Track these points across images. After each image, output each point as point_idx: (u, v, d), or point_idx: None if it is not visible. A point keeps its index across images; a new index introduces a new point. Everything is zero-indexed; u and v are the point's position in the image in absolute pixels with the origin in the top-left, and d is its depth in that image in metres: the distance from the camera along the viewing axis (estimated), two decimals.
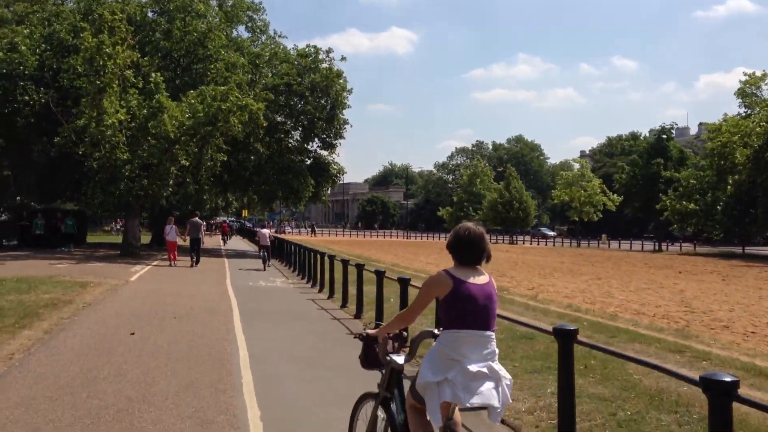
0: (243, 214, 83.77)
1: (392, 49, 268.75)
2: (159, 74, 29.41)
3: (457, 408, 3.87)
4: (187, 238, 27.60)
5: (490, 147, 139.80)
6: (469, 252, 4.05)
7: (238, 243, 58.11)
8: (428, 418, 4.00)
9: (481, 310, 3.95)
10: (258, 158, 36.43)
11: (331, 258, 19.55)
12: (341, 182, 42.83)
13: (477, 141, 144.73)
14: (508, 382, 3.99)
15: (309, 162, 40.48)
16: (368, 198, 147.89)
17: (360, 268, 14.76)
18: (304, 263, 24.10)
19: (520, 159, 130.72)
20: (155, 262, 27.39)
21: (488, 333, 3.98)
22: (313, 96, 37.78)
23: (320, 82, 37.67)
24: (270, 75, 38.46)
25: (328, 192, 43.65)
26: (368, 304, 14.07)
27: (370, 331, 4.54)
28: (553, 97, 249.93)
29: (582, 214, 63.28)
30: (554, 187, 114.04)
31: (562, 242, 68.84)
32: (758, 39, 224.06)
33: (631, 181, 58.01)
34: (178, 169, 29.49)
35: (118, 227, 68.36)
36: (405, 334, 4.57)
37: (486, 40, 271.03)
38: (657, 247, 52.41)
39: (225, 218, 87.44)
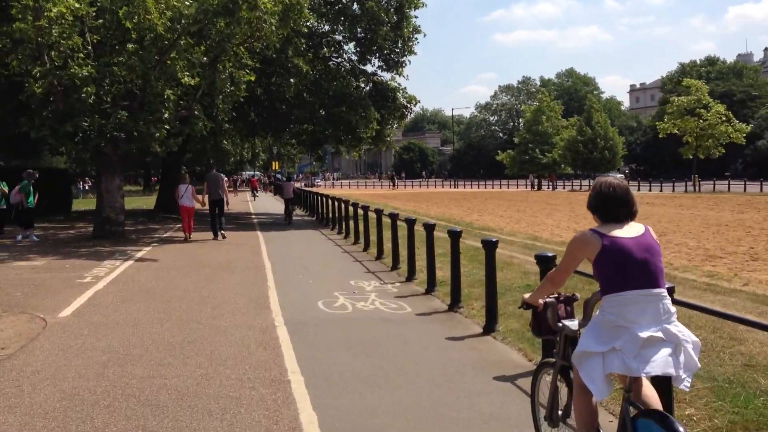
0: (273, 167, 72.66)
1: None
2: None
3: (643, 378, 3.47)
4: (206, 200, 19.39)
5: (538, 82, 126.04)
6: (615, 209, 3.55)
7: (269, 202, 47.21)
8: (590, 389, 3.48)
9: (642, 265, 3.41)
10: (299, 82, 24.94)
11: (448, 237, 9.92)
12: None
13: (524, 76, 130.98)
14: (692, 345, 3.39)
15: (367, 89, 28.86)
16: (404, 145, 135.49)
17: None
18: (380, 236, 14.13)
19: (573, 95, 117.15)
20: (147, 249, 16.42)
21: (657, 291, 3.42)
22: None
23: None
24: None
25: (395, 130, 31.98)
26: None
27: (525, 297, 4.13)
28: (575, 36, 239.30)
29: (699, 151, 50.33)
30: (613, 124, 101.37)
31: (649, 187, 56.80)
32: None
33: None
34: (178, 95, 18.27)
35: (86, 187, 55.83)
36: (577, 296, 4.21)
37: None
38: None
39: (252, 172, 76.65)
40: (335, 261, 14.72)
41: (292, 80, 24.34)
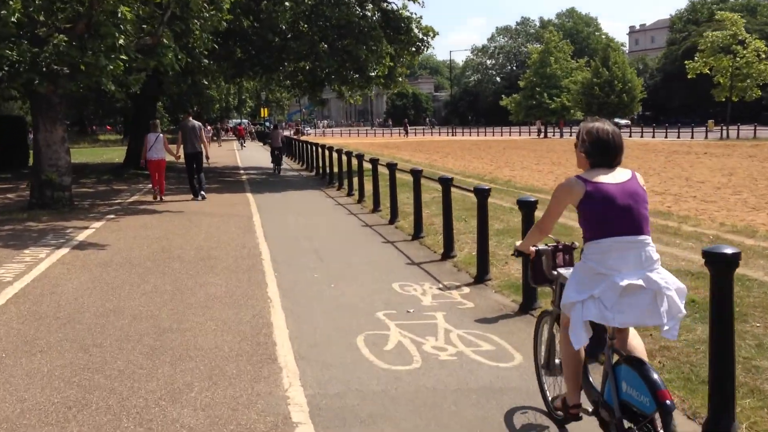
0: (261, 114, 67.62)
1: None
2: None
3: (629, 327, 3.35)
4: (181, 152, 16.54)
5: (538, 23, 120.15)
6: (609, 157, 3.38)
7: (259, 153, 42.67)
8: (570, 339, 3.35)
9: (624, 211, 3.25)
10: (295, 7, 20.21)
11: None
12: None
13: (522, 17, 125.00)
14: (676, 291, 3.19)
15: (375, 18, 24.04)
16: (397, 91, 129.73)
17: None
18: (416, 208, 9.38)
19: (574, 36, 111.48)
20: (97, 224, 12.06)
21: (640, 238, 3.25)
22: None
23: None
24: None
25: (406, 69, 27.13)
26: None
27: (517, 244, 3.99)
28: None
29: (734, 93, 45.39)
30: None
31: (666, 133, 52.40)
32: None
33: None
34: (140, 17, 13.67)
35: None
36: (576, 245, 4.00)
37: None
38: None
39: (239, 120, 71.65)
40: (358, 243, 10.45)
41: (287, 3, 19.60)
